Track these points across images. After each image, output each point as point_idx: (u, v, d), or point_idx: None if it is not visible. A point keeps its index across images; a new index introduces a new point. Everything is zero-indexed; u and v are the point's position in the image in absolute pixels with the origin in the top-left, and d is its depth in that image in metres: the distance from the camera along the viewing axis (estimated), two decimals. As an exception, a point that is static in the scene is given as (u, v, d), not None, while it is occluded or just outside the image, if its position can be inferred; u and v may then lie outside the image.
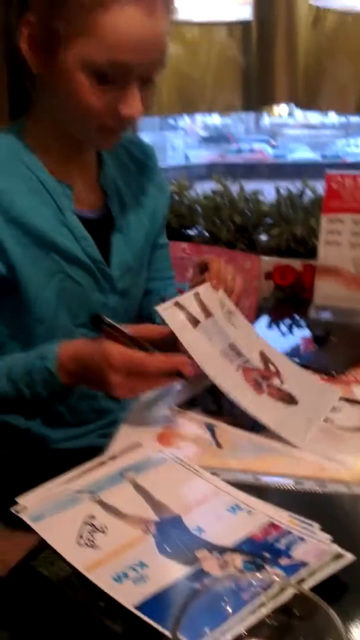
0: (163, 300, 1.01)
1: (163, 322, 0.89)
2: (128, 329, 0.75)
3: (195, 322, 0.80)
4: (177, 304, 0.80)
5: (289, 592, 0.42)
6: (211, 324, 0.81)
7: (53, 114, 0.82)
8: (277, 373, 0.80)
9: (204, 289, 0.85)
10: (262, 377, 0.78)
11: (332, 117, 17.85)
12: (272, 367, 0.81)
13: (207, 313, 0.82)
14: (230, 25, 1.43)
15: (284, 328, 1.23)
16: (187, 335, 0.77)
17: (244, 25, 1.41)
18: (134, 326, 0.79)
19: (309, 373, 0.87)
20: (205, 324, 0.81)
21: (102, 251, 0.90)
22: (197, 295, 0.83)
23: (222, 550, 0.53)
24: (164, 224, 1.06)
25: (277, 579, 0.42)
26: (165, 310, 0.79)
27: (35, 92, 0.84)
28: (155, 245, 1.05)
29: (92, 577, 0.50)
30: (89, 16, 0.71)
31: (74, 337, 0.87)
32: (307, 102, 1.42)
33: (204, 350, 0.78)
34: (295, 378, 0.83)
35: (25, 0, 0.76)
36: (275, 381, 0.79)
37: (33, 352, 0.79)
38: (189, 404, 0.83)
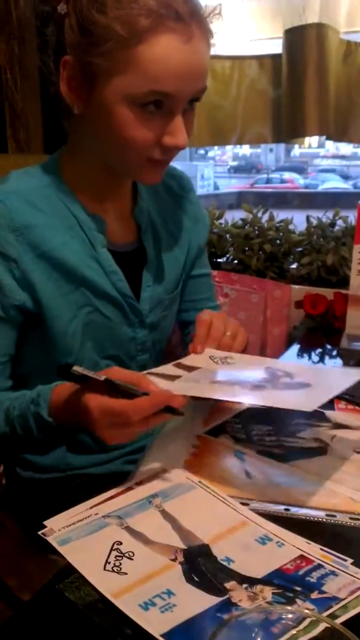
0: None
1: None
2: (102, 377, 0.67)
3: (172, 378, 0.76)
4: (150, 374, 0.76)
5: (321, 627, 0.40)
6: (197, 373, 0.78)
7: (92, 148, 0.82)
8: (286, 374, 0.78)
9: (189, 358, 0.84)
10: (265, 381, 0.76)
11: (363, 148, 17.86)
12: (279, 373, 0.78)
13: (191, 369, 0.79)
14: (261, 59, 1.46)
15: (315, 357, 1.22)
16: (161, 385, 0.72)
17: (275, 59, 1.44)
18: (109, 369, 0.72)
19: (330, 368, 0.86)
20: (188, 375, 0.78)
21: (132, 285, 0.89)
22: (178, 364, 0.81)
23: (251, 581, 0.52)
24: (200, 254, 1.05)
25: (308, 612, 0.41)
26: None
27: (72, 127, 0.85)
28: (191, 275, 1.05)
29: (119, 603, 0.49)
30: (127, 51, 0.71)
31: (100, 369, 0.88)
32: (338, 134, 1.43)
33: (186, 386, 0.75)
34: (309, 372, 0.82)
35: (61, 41, 0.76)
36: (284, 379, 0.76)
37: (29, 395, 0.79)
38: (217, 431, 0.83)
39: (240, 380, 0.77)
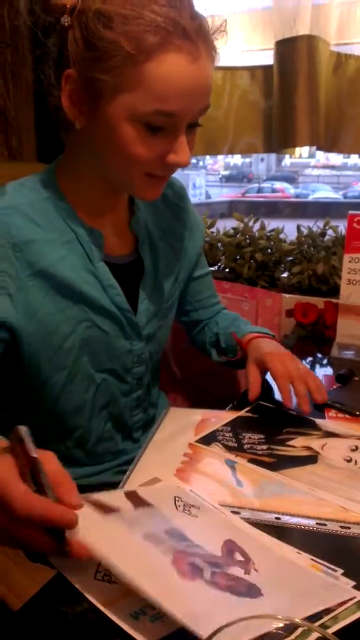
0: (217, 337, 1.07)
1: (217, 355, 0.98)
2: (34, 454, 0.53)
3: (109, 509, 0.59)
4: (87, 498, 0.60)
5: (313, 637, 0.41)
6: (141, 513, 0.61)
7: (92, 162, 0.81)
8: (246, 562, 0.56)
9: (158, 487, 0.70)
10: (210, 562, 0.54)
11: (354, 158, 18.03)
12: (238, 556, 0.57)
13: (141, 505, 0.63)
14: (252, 70, 1.48)
15: (306, 366, 1.22)
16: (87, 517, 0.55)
17: (266, 70, 1.45)
18: (46, 454, 0.55)
19: (314, 573, 0.57)
20: (129, 514, 0.60)
21: (129, 297, 0.89)
22: (133, 494, 0.65)
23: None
24: (198, 258, 1.08)
25: (300, 621, 0.41)
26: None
27: (71, 139, 0.83)
28: (192, 277, 1.08)
29: (109, 613, 0.49)
30: (134, 68, 0.69)
31: (94, 382, 0.88)
32: (329, 145, 1.44)
33: (106, 532, 0.56)
34: (279, 570, 0.57)
35: (63, 54, 0.74)
36: (234, 569, 0.54)
37: None
38: (208, 439, 0.83)
39: (180, 546, 0.56)
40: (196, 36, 0.70)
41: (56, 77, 0.75)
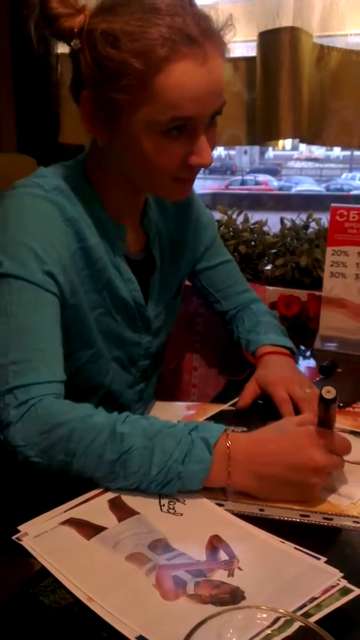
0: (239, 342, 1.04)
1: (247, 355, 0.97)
2: None
3: (91, 532, 0.60)
4: (71, 518, 0.62)
5: (295, 626, 0.41)
6: (126, 526, 0.61)
7: (119, 166, 0.83)
8: (230, 561, 0.56)
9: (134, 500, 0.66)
10: (194, 571, 0.54)
11: (337, 151, 18.12)
12: (222, 556, 0.57)
13: (127, 514, 0.63)
14: (235, 62, 1.47)
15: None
16: (61, 561, 0.55)
17: (249, 61, 1.45)
18: None
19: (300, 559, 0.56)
20: (115, 530, 0.60)
21: (141, 292, 0.92)
22: (115, 501, 0.65)
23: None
24: (211, 246, 1.08)
25: (282, 611, 0.42)
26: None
27: (96, 145, 0.83)
28: (208, 267, 1.08)
29: (94, 606, 0.49)
30: (146, 82, 0.71)
31: (111, 369, 0.91)
32: (312, 137, 1.44)
33: (88, 564, 0.55)
34: (263, 558, 0.57)
35: (78, 76, 0.76)
36: (218, 574, 0.54)
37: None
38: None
39: (163, 561, 0.56)
40: (202, 39, 0.71)
41: (75, 98, 0.78)
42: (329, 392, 0.65)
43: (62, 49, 1.61)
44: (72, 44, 0.75)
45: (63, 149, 1.59)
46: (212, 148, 0.79)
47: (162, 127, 0.73)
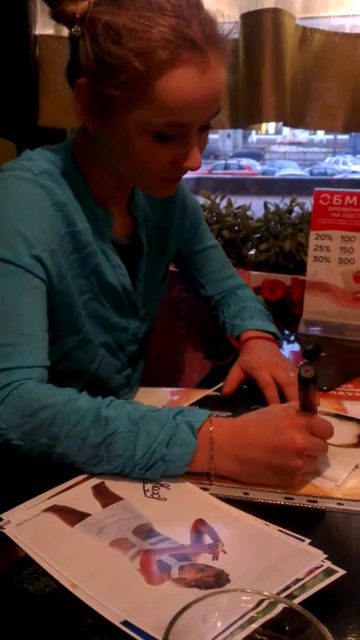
0: (225, 327, 1.04)
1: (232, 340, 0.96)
2: None
3: (75, 519, 0.59)
4: (55, 505, 0.62)
5: (279, 608, 0.41)
6: (110, 512, 0.61)
7: (108, 156, 0.82)
8: (214, 544, 0.56)
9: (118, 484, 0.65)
10: (178, 555, 0.54)
11: (320, 135, 18.12)
12: (206, 539, 0.57)
13: (112, 500, 0.63)
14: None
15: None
16: (45, 548, 0.55)
17: (232, 44, 1.43)
18: None
19: (286, 541, 0.56)
20: (99, 516, 0.60)
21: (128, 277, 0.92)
22: (99, 486, 0.65)
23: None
24: (196, 231, 1.07)
25: (267, 594, 0.42)
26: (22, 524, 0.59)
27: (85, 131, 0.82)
28: (194, 252, 1.08)
29: (78, 593, 0.49)
30: (144, 83, 0.70)
31: (99, 355, 0.91)
32: (295, 121, 1.43)
33: (72, 551, 0.55)
34: (247, 541, 0.57)
35: (75, 63, 0.74)
36: (202, 557, 0.54)
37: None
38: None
39: (148, 545, 0.56)
40: (205, 45, 0.70)
41: (69, 82, 0.77)
42: (307, 371, 0.65)
43: (40, 30, 1.58)
44: (72, 29, 0.73)
45: (42, 133, 1.57)
46: (202, 150, 0.79)
47: (155, 130, 0.73)
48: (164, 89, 0.70)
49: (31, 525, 0.58)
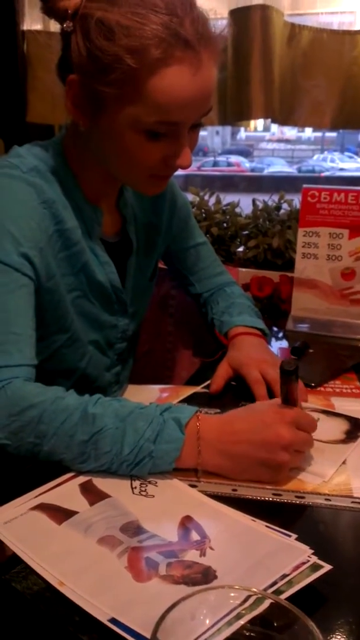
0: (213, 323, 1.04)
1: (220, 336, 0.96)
2: None
3: (63, 517, 0.59)
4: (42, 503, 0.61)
5: (266, 603, 0.41)
6: (98, 510, 0.60)
7: (97, 153, 0.81)
8: (201, 541, 0.56)
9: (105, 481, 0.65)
10: (166, 552, 0.54)
11: (308, 132, 18.15)
12: (194, 536, 0.57)
13: (99, 497, 0.62)
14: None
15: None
16: (33, 547, 0.55)
17: (224, 42, 1.43)
18: None
19: (275, 536, 0.57)
20: (86, 514, 0.60)
21: (118, 274, 0.92)
22: (87, 484, 0.65)
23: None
24: (185, 227, 1.07)
25: (254, 590, 0.42)
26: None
27: (75, 128, 0.81)
28: (183, 249, 1.08)
29: (65, 591, 0.49)
30: (137, 81, 0.69)
31: (87, 353, 0.90)
32: (283, 118, 1.43)
33: (60, 549, 0.55)
34: (234, 538, 0.57)
35: (67, 58, 0.74)
36: (190, 554, 0.54)
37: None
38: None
39: (135, 543, 0.56)
40: (198, 44, 0.70)
41: (60, 78, 0.76)
42: (289, 363, 0.66)
43: (29, 25, 1.57)
44: (64, 25, 0.72)
45: (31, 129, 1.56)
46: (193, 148, 0.79)
47: (146, 127, 0.73)
48: (156, 88, 0.69)
49: (18, 524, 0.58)
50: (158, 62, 0.68)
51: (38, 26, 1.56)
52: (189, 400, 0.88)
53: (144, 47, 0.67)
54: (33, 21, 1.56)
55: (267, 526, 0.58)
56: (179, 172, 0.82)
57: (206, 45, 0.71)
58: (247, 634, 0.42)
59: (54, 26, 1.50)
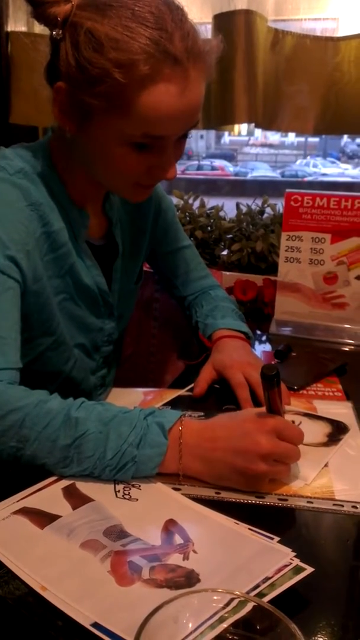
0: (198, 326, 1.04)
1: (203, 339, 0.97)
2: None
3: (45, 521, 0.59)
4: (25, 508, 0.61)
5: (249, 606, 0.41)
6: (81, 514, 0.60)
7: (83, 159, 0.81)
8: (185, 545, 0.56)
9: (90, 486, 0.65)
10: (149, 556, 0.54)
11: (291, 137, 18.30)
12: (177, 539, 0.57)
13: (82, 501, 0.62)
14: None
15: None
16: (15, 551, 0.54)
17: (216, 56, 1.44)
18: None
19: (256, 539, 0.57)
20: (68, 518, 0.59)
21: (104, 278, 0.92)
22: (69, 488, 0.64)
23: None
24: (170, 230, 1.07)
25: (237, 592, 0.42)
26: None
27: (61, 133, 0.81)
28: (167, 252, 1.08)
29: (48, 595, 0.49)
30: (123, 96, 0.69)
31: (73, 356, 0.90)
32: (267, 122, 1.44)
33: (42, 553, 0.55)
34: (217, 541, 0.57)
35: (55, 65, 0.73)
36: (173, 557, 0.54)
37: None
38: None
39: (118, 547, 0.55)
40: (187, 60, 0.70)
41: (48, 82, 0.76)
42: (270, 368, 0.65)
43: (13, 26, 1.56)
44: (54, 32, 0.72)
45: (14, 130, 1.55)
46: (179, 157, 0.79)
47: (132, 140, 0.73)
48: (143, 103, 0.69)
49: (0, 528, 0.57)
50: (146, 78, 0.68)
51: (22, 27, 1.55)
52: (173, 403, 0.88)
53: (132, 62, 0.67)
54: (17, 22, 1.55)
55: (250, 529, 0.58)
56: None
57: (195, 61, 0.71)
58: (230, 637, 0.42)
59: (38, 27, 1.49)
